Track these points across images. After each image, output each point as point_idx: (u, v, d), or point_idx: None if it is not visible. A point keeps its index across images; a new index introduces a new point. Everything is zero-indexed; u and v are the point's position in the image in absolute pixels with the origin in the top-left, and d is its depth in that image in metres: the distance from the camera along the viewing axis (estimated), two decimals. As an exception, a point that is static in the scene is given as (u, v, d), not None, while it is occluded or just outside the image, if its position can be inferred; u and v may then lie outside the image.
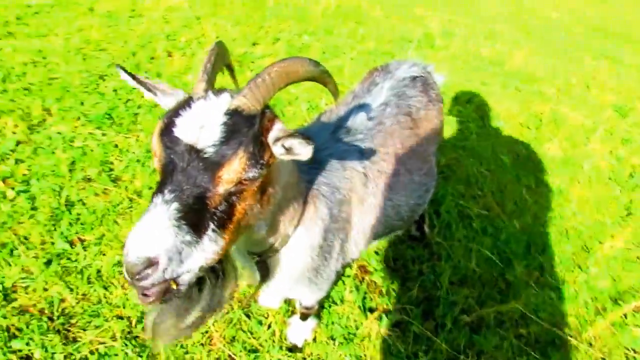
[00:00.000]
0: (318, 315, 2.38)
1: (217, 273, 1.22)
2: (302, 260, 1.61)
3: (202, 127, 1.06)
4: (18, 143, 3.04)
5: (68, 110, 3.35)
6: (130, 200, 2.79)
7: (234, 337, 2.23)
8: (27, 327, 2.13)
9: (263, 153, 1.10)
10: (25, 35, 4.13)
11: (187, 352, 2.15)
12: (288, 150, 1.13)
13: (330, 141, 1.72)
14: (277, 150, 1.13)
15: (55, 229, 2.56)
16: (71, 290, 2.30)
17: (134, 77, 1.17)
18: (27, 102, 3.34)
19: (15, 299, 2.25)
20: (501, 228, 3.09)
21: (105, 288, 2.33)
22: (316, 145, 1.63)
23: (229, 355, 2.14)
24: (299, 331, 2.24)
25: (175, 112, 1.09)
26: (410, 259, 2.73)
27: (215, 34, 4.59)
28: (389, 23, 5.47)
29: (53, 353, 2.07)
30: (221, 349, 2.16)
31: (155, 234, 0.98)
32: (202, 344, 2.18)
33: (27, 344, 2.09)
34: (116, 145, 3.17)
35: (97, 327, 2.19)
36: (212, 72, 1.19)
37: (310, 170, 1.57)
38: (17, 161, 2.92)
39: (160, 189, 1.04)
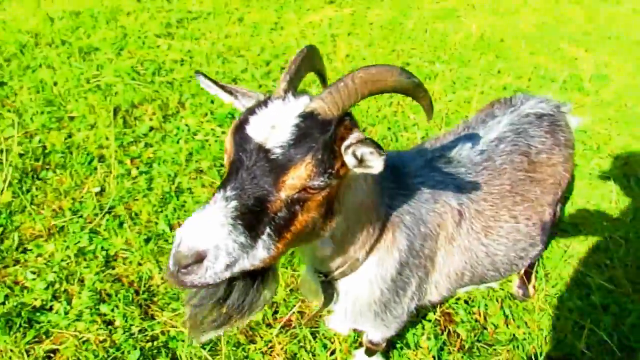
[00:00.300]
0: (387, 355, 2.20)
1: (255, 276, 1.14)
2: (370, 291, 1.48)
3: (274, 127, 1.01)
4: (151, 129, 3.35)
5: (199, 106, 3.63)
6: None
7: (295, 354, 2.15)
8: (116, 295, 2.29)
9: (333, 162, 1.02)
10: (181, 36, 4.60)
11: (247, 357, 2.13)
12: (360, 161, 1.03)
13: (425, 169, 1.57)
14: (349, 160, 1.04)
15: (161, 211, 2.75)
16: (160, 270, 2.43)
17: (214, 82, 1.16)
18: (167, 94, 3.70)
19: (114, 267, 2.45)
20: (628, 310, 2.58)
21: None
22: (399, 165, 1.51)
23: (287, 372, 2.07)
24: (364, 367, 2.09)
25: (251, 111, 1.06)
26: (504, 318, 2.40)
27: (346, 51, 4.66)
28: (533, 60, 5.05)
29: (131, 325, 2.20)
30: (280, 363, 2.10)
31: (208, 227, 0.95)
32: (262, 352, 2.14)
33: (112, 310, 2.24)
34: (232, 144, 3.34)
35: (173, 310, 2.28)
36: (296, 74, 1.15)
37: (396, 195, 1.44)
38: (147, 145, 3.22)
39: (223, 185, 1.01)
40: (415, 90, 1.14)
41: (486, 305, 2.44)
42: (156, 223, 2.67)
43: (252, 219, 0.98)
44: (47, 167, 2.95)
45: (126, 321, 2.21)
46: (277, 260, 1.09)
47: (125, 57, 4.10)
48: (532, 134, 1.85)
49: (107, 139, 3.16)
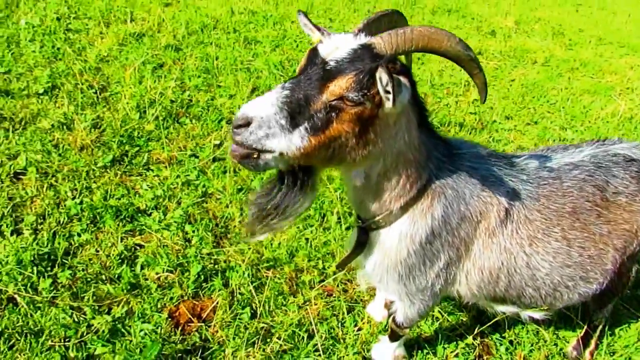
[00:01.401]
0: (410, 354, 2.21)
1: (296, 181, 1.35)
2: (398, 247, 1.59)
3: (337, 48, 1.24)
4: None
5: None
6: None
7: (326, 319, 2.28)
8: (200, 221, 2.68)
9: (371, 86, 1.20)
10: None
11: (284, 305, 2.32)
12: (385, 92, 1.19)
13: (482, 159, 1.64)
14: (378, 85, 1.19)
15: (260, 173, 3.11)
16: (241, 214, 2.77)
17: (310, 21, 1.40)
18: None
19: (206, 202, 2.85)
20: None
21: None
22: (455, 145, 1.61)
23: (313, 330, 2.20)
24: (384, 352, 2.13)
25: (328, 37, 1.30)
26: (547, 369, 2.24)
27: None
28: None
29: (203, 247, 2.54)
30: (309, 321, 2.24)
31: (261, 103, 1.21)
32: (299, 306, 2.31)
33: (193, 231, 2.62)
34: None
35: (240, 249, 2.57)
36: (375, 22, 1.33)
37: (444, 168, 1.54)
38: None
39: (286, 81, 1.26)
40: (468, 64, 1.27)
41: (531, 350, 2.31)
42: (252, 180, 3.04)
43: (297, 109, 1.21)
44: (187, 115, 3.53)
45: (200, 243, 2.57)
46: (312, 156, 1.28)
47: (278, 53, 4.71)
48: (614, 173, 1.80)
49: (239, 107, 3.68)
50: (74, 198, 2.66)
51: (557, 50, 6.41)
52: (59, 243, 2.40)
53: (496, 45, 6.09)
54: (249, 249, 2.55)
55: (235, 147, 1.25)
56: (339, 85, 1.20)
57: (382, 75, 1.15)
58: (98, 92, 3.57)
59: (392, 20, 1.40)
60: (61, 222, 2.52)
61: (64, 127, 3.15)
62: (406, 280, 1.67)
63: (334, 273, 2.49)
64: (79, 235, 2.48)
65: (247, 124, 1.20)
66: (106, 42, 4.28)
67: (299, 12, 1.43)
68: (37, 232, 2.44)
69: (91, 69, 3.83)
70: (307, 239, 2.68)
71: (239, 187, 2.95)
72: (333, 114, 1.23)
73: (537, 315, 1.93)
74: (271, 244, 2.61)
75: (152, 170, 3.00)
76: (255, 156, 1.25)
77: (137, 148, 3.13)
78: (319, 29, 1.37)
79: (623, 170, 1.82)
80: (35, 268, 2.24)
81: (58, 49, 4.04)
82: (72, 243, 2.44)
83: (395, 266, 1.64)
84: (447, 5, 7.21)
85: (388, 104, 1.22)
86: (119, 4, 5.04)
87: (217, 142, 3.31)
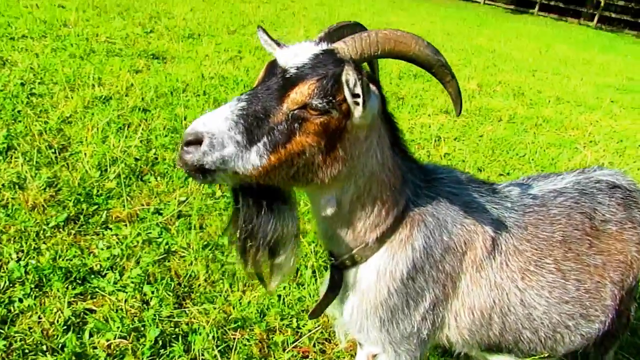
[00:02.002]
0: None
1: (258, 200, 1.19)
2: (377, 286, 1.41)
3: (296, 55, 1.15)
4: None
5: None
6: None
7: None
8: (161, 281, 2.43)
9: (336, 93, 1.10)
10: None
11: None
12: (352, 94, 1.09)
13: (461, 185, 1.52)
14: (345, 90, 1.10)
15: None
16: (206, 272, 2.53)
17: (269, 36, 1.33)
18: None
19: (169, 260, 2.61)
20: None
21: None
22: (432, 170, 1.49)
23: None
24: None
25: (287, 48, 1.21)
26: None
27: (448, 151, 4.75)
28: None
29: (162, 309, 2.28)
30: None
31: (214, 117, 1.08)
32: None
33: (152, 292, 2.36)
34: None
35: (205, 310, 2.32)
36: (336, 32, 1.26)
37: (421, 193, 1.42)
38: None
39: (241, 93, 1.14)
40: (439, 69, 1.19)
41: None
42: (219, 236, 2.83)
43: (254, 123, 1.08)
44: (152, 172, 3.37)
45: (160, 305, 2.31)
46: (270, 177, 1.13)
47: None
48: (600, 200, 1.71)
49: (207, 164, 3.55)
50: (18, 260, 2.39)
51: (520, 108, 6.64)
52: (-5, 310, 2.10)
53: (462, 105, 6.25)
54: (215, 308, 2.30)
55: (183, 163, 1.10)
56: (301, 92, 1.09)
57: (349, 76, 1.05)
58: (57, 151, 3.39)
59: (354, 31, 1.33)
60: (0, 288, 2.23)
61: (16, 186, 2.93)
62: (389, 326, 1.48)
63: (309, 331, 2.25)
64: (20, 300, 2.19)
65: (197, 141, 1.06)
66: (70, 104, 4.18)
67: (258, 27, 1.35)
68: (-29, 298, 2.15)
69: (52, 130, 3.68)
70: (279, 296, 2.45)
71: (205, 243, 2.74)
72: (296, 125, 1.11)
73: (541, 365, 1.72)
74: (240, 302, 2.37)
75: (111, 229, 2.77)
76: (203, 172, 1.10)
77: (95, 206, 2.91)
78: (279, 45, 1.29)
79: (608, 197, 1.73)
80: (-37, 339, 1.94)
81: (19, 111, 3.91)
82: (12, 310, 2.15)
83: (375, 309, 1.45)
84: (412, 71, 7.50)
85: (357, 112, 1.11)
86: (87, 71, 5.01)
87: (183, 198, 3.13)
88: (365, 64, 1.43)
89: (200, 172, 1.10)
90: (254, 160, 1.09)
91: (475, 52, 10.68)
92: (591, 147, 5.72)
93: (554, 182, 1.74)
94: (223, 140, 1.06)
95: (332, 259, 1.47)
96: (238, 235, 1.24)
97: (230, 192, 1.25)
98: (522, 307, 1.53)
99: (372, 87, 1.18)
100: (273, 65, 1.18)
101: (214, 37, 7.52)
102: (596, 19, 24.49)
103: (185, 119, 4.21)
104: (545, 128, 6.08)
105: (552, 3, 25.24)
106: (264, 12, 10.81)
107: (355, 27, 1.32)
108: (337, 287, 1.49)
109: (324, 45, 1.19)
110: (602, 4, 24.08)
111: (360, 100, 1.09)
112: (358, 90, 1.07)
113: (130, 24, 7.35)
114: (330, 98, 1.10)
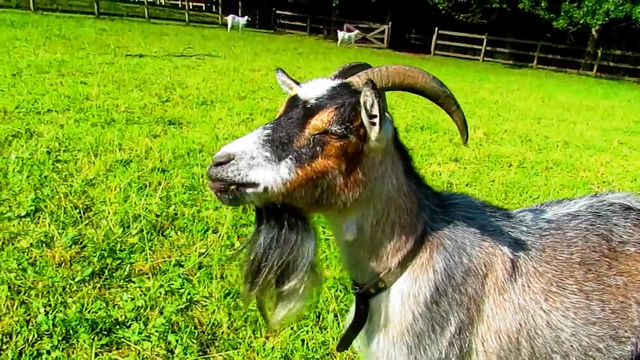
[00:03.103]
0: None
1: (281, 219, 1.25)
2: (402, 312, 1.44)
3: (315, 88, 1.26)
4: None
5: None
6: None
7: None
8: (185, 329, 2.44)
9: (353, 119, 1.19)
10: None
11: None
12: (370, 117, 1.18)
13: (477, 210, 1.58)
14: (362, 113, 1.18)
15: (249, 278, 2.95)
16: (229, 319, 2.54)
17: (290, 77, 1.45)
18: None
19: (192, 310, 2.63)
20: None
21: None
22: (446, 196, 1.55)
23: None
24: None
25: (306, 84, 1.33)
26: None
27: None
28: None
29: (187, 357, 2.28)
30: None
31: (242, 141, 1.18)
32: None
33: (177, 340, 2.37)
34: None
35: (229, 356, 2.31)
36: (349, 70, 1.39)
37: (438, 218, 1.47)
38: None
39: (265, 124, 1.25)
40: (445, 100, 1.29)
41: None
42: (240, 285, 2.86)
43: (280, 146, 1.18)
44: (172, 227, 3.46)
45: (185, 353, 2.31)
46: (296, 193, 1.19)
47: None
48: (615, 222, 1.74)
49: (225, 217, 3.64)
50: (46, 314, 2.43)
51: (529, 154, 6.74)
52: (24, 363, 2.13)
53: (471, 153, 6.38)
54: (239, 354, 2.30)
55: (212, 184, 1.19)
56: (321, 119, 1.20)
57: (367, 97, 1.15)
58: (82, 211, 3.52)
59: (365, 70, 1.45)
60: (29, 340, 2.27)
61: (43, 244, 3.03)
62: (417, 353, 1.48)
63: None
64: (48, 352, 2.21)
65: (228, 161, 1.16)
66: (93, 168, 4.36)
67: (277, 70, 1.48)
68: (1, 352, 2.18)
69: (76, 192, 3.83)
70: (302, 340, 2.44)
71: (227, 291, 2.77)
72: (318, 148, 1.20)
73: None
74: (263, 348, 2.36)
75: (134, 282, 2.82)
76: (234, 188, 1.17)
77: (118, 261, 2.98)
78: (297, 84, 1.40)
79: (623, 219, 1.76)
80: (-8, 392, 1.96)
81: (45, 177, 4.09)
82: (40, 362, 2.17)
83: (402, 336, 1.46)
84: (419, 123, 7.72)
85: (374, 133, 1.20)
86: (108, 138, 5.26)
87: (203, 250, 3.19)
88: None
89: (230, 192, 1.17)
90: (284, 173, 1.17)
91: (479, 104, 10.98)
92: (605, 186, 5.74)
93: (568, 206, 1.79)
94: (252, 154, 1.16)
95: (357, 287, 1.51)
96: (253, 256, 1.27)
97: (255, 212, 1.31)
98: (549, 329, 1.53)
99: (387, 114, 1.28)
100: (294, 99, 1.29)
101: (226, 102, 7.87)
102: (595, 68, 25.19)
103: (202, 177, 4.36)
104: (557, 171, 6.13)
105: (550, 56, 26.11)
106: (271, 79, 11.34)
107: (365, 67, 1.45)
108: (363, 317, 1.51)
109: (339, 81, 1.31)
110: (600, 54, 24.82)
111: (377, 120, 1.18)
112: (375, 111, 1.17)
113: (147, 95, 7.75)
114: (348, 124, 1.20)
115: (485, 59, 27.82)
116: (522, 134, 7.93)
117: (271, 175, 1.16)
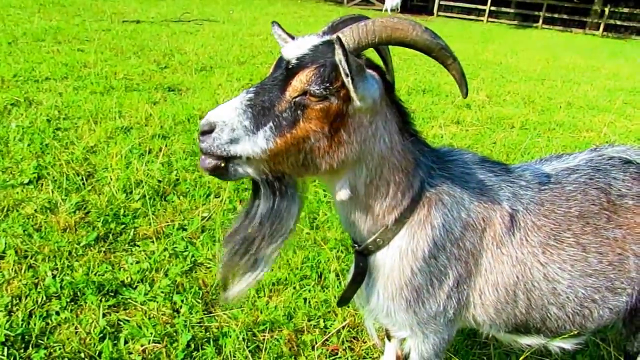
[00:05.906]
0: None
1: (274, 190, 1.26)
2: (400, 267, 1.46)
3: (299, 47, 1.24)
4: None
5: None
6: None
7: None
8: (189, 289, 2.50)
9: (333, 79, 1.16)
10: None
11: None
12: (345, 72, 1.13)
13: (475, 165, 1.57)
14: (342, 74, 1.14)
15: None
16: (233, 280, 2.59)
17: (284, 31, 1.41)
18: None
19: (196, 271, 2.68)
20: None
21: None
22: (444, 152, 1.55)
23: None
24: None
25: (292, 42, 1.31)
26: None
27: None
28: None
29: (193, 316, 2.34)
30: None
31: (224, 108, 1.18)
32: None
33: (182, 300, 2.43)
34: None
35: (233, 315, 2.37)
36: (340, 24, 1.33)
37: (435, 174, 1.47)
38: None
39: (250, 86, 1.24)
40: (440, 53, 1.23)
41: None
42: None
43: (261, 111, 1.18)
44: (175, 192, 3.48)
45: (190, 312, 2.37)
46: (280, 161, 1.21)
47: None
48: (614, 175, 1.74)
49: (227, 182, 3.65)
50: (54, 277, 2.48)
51: (531, 115, 6.68)
52: (34, 323, 2.19)
53: (473, 115, 6.33)
54: (242, 312, 2.35)
55: (204, 159, 1.21)
56: (300, 80, 1.18)
57: (338, 54, 1.10)
58: (84, 178, 3.54)
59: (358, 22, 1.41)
60: (38, 302, 2.32)
61: (48, 210, 3.06)
62: (415, 307, 1.51)
63: (337, 330, 2.28)
64: (57, 314, 2.27)
65: (211, 130, 1.16)
66: (94, 136, 4.35)
67: (273, 23, 1.45)
68: (12, 313, 2.24)
69: (78, 159, 3.84)
70: (305, 299, 2.49)
71: (230, 253, 2.80)
72: (299, 112, 1.19)
73: (568, 345, 1.73)
74: (267, 307, 2.42)
75: (139, 246, 2.87)
76: (223, 165, 1.20)
77: (122, 225, 3.02)
78: (292, 38, 1.38)
79: (622, 173, 1.76)
80: (6, 350, 2.02)
81: (46, 145, 4.09)
82: (50, 322, 2.23)
83: (400, 290, 1.49)
84: (420, 86, 7.62)
85: (353, 93, 1.17)
86: (108, 105, 5.22)
87: (206, 214, 3.22)
88: (378, 55, 1.53)
89: (220, 167, 1.19)
90: (261, 143, 1.17)
91: (482, 66, 10.79)
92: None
93: (567, 161, 1.78)
94: (233, 125, 1.16)
95: (356, 245, 1.53)
96: (250, 228, 1.28)
97: (251, 184, 1.32)
98: (546, 281, 1.56)
99: (371, 72, 1.25)
100: (280, 59, 1.27)
101: (225, 68, 7.76)
102: (602, 27, 24.57)
103: (203, 142, 4.35)
104: (559, 132, 6.09)
105: (556, 15, 25.46)
106: (271, 43, 11.14)
107: (359, 19, 1.39)
108: (362, 274, 1.54)
109: (327, 38, 1.27)
110: (607, 13, 24.18)
111: (348, 80, 1.14)
112: (346, 69, 1.11)
113: (145, 61, 7.64)
114: (328, 84, 1.16)
115: (490, 19, 27.13)
116: (525, 96, 7.83)
117: (249, 146, 1.17)
